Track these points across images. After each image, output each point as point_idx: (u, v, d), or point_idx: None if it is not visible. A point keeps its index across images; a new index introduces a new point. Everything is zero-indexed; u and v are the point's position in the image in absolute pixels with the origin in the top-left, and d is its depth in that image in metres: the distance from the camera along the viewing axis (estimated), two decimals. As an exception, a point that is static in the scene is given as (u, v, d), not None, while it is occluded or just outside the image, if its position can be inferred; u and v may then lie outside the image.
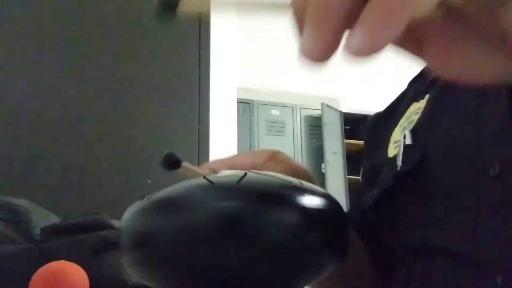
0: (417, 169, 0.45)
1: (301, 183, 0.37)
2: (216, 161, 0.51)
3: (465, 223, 0.40)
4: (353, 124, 4.22)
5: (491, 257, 0.37)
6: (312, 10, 0.23)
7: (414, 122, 0.50)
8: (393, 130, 0.54)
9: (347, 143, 4.01)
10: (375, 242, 0.52)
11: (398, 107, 0.57)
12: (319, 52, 0.23)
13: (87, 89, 1.38)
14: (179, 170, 0.40)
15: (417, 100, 0.53)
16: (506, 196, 0.37)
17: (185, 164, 0.40)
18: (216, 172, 0.39)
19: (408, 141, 0.48)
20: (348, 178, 3.88)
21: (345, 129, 4.08)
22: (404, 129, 0.51)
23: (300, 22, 0.24)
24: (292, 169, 0.50)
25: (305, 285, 0.39)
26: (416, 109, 0.52)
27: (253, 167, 0.50)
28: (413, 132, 0.49)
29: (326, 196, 0.37)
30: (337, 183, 3.79)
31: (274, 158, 0.51)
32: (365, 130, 0.66)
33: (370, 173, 0.56)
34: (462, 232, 0.40)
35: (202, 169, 0.44)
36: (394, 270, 0.49)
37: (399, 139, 0.51)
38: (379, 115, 0.63)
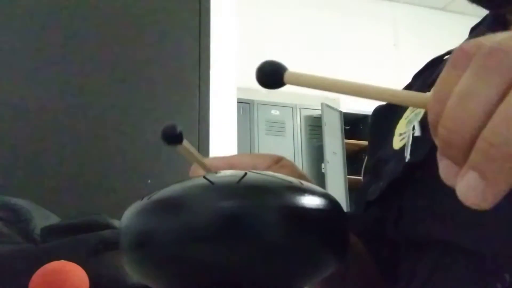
0: (426, 161, 0.45)
1: (301, 183, 0.37)
2: (216, 158, 0.50)
3: (473, 217, 0.39)
4: (353, 124, 4.22)
5: (499, 253, 0.37)
6: (486, 158, 0.21)
7: (421, 114, 0.49)
8: (397, 122, 0.54)
9: (347, 143, 4.01)
10: (379, 238, 0.52)
11: None
12: (490, 202, 0.22)
13: (87, 90, 1.38)
14: (178, 148, 0.39)
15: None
16: None
17: (186, 142, 0.39)
18: (216, 172, 0.39)
19: (417, 132, 0.48)
20: (348, 178, 3.87)
21: (345, 129, 4.08)
22: (409, 121, 0.50)
23: (456, 156, 0.23)
24: (298, 177, 0.49)
25: (305, 285, 0.39)
26: None
27: (254, 169, 0.49)
28: (422, 123, 0.48)
29: (326, 196, 0.37)
30: (337, 183, 3.79)
31: (278, 164, 0.49)
32: (366, 129, 0.65)
33: (375, 165, 0.55)
34: (470, 227, 0.39)
35: (200, 157, 0.43)
36: (398, 266, 0.49)
37: (404, 131, 0.50)
38: (382, 108, 0.62)
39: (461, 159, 0.22)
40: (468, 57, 0.23)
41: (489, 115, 0.21)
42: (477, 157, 0.21)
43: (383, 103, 0.62)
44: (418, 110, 0.50)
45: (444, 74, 0.24)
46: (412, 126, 0.49)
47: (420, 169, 0.45)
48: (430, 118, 0.24)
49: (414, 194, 0.46)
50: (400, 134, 0.51)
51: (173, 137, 0.38)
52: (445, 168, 0.24)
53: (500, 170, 0.21)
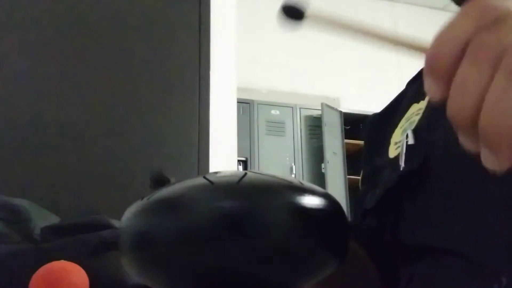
0: (421, 169, 0.45)
1: (301, 183, 0.37)
2: None
3: (469, 223, 0.40)
4: (353, 124, 4.22)
5: (496, 257, 0.37)
6: (487, 136, 0.25)
7: (415, 123, 0.50)
8: (393, 131, 0.54)
9: (347, 143, 4.00)
10: (377, 245, 0.52)
11: (397, 108, 0.57)
12: (504, 167, 0.25)
13: (87, 90, 1.38)
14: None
15: (417, 101, 0.53)
16: (511, 195, 0.37)
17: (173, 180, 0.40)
18: (216, 172, 0.39)
19: (411, 141, 0.48)
20: (348, 178, 3.87)
21: (345, 129, 4.08)
22: (404, 130, 0.51)
23: (467, 132, 0.26)
24: None
25: (305, 285, 0.38)
26: (416, 110, 0.51)
27: None
28: (415, 132, 0.48)
29: (326, 196, 0.37)
30: (337, 183, 3.78)
31: None
32: (364, 132, 0.65)
33: (371, 174, 0.55)
34: (466, 232, 0.40)
35: None
36: (395, 271, 0.49)
37: (399, 139, 0.51)
38: (377, 117, 0.62)
39: (471, 133, 0.26)
40: (469, 21, 0.26)
41: (484, 96, 0.25)
42: (482, 137, 0.25)
43: (379, 111, 0.63)
44: (413, 119, 0.51)
45: (448, 26, 0.27)
46: (406, 134, 0.49)
47: (415, 177, 0.45)
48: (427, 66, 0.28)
49: (410, 201, 0.46)
50: (396, 143, 0.52)
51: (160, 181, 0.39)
52: (464, 141, 0.27)
53: (501, 142, 0.24)
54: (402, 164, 0.47)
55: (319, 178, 3.79)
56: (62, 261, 0.67)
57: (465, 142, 0.27)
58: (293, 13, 0.31)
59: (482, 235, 0.39)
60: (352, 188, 3.74)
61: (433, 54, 0.27)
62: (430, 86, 0.28)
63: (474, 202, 0.40)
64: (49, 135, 1.31)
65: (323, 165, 3.86)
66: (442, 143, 0.44)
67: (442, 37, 0.27)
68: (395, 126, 0.54)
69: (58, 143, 1.31)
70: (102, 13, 1.44)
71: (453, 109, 0.26)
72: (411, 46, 0.29)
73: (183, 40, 1.50)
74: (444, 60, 0.26)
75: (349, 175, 3.88)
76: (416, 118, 0.50)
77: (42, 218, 0.85)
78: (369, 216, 0.53)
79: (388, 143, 0.54)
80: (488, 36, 0.25)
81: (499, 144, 0.24)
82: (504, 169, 0.25)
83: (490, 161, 0.25)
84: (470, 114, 0.25)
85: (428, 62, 0.27)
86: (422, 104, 0.51)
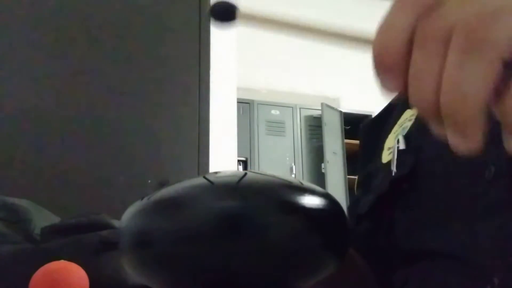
0: (412, 173, 0.45)
1: (301, 183, 0.37)
2: None
3: (462, 226, 0.40)
4: (353, 124, 4.22)
5: (488, 258, 0.38)
6: (447, 119, 0.25)
7: (408, 128, 0.50)
8: (386, 137, 0.55)
9: (347, 143, 4.01)
10: (371, 248, 0.52)
11: (391, 114, 0.58)
12: (474, 147, 0.25)
13: (87, 90, 1.38)
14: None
15: (411, 107, 0.53)
16: (503, 198, 0.37)
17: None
18: (216, 172, 0.39)
19: (402, 146, 0.48)
20: (348, 178, 3.87)
21: (345, 129, 4.08)
22: (397, 135, 0.51)
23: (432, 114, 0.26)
24: None
25: (305, 285, 0.39)
26: (409, 116, 0.52)
27: None
28: (407, 137, 0.49)
29: (326, 196, 0.37)
30: (337, 183, 3.79)
31: None
32: (359, 138, 0.66)
33: (365, 179, 0.56)
34: (459, 235, 0.40)
35: None
36: (390, 274, 0.49)
37: (392, 145, 0.51)
38: (371, 122, 0.63)
39: (438, 118, 0.26)
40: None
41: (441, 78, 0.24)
42: (444, 117, 0.25)
43: (373, 116, 0.63)
44: (406, 124, 0.51)
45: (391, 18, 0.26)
46: (397, 139, 0.49)
47: (407, 181, 0.46)
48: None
49: (403, 205, 0.47)
50: (389, 148, 0.52)
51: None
52: (434, 129, 0.27)
53: (462, 116, 0.24)
54: (394, 169, 0.48)
55: (319, 178, 3.80)
56: (62, 261, 0.67)
57: (435, 129, 0.26)
58: (223, 16, 0.30)
59: (473, 237, 0.39)
60: (352, 188, 3.74)
61: (379, 49, 0.26)
62: (384, 82, 0.27)
63: (465, 205, 0.40)
64: (50, 136, 1.31)
65: (323, 165, 3.86)
66: (432, 147, 0.45)
67: (384, 31, 0.26)
68: (389, 131, 0.55)
69: (59, 144, 1.31)
70: (102, 13, 1.44)
71: (415, 100, 0.26)
72: (354, 39, 0.28)
73: (183, 40, 1.50)
74: (392, 54, 0.26)
75: (349, 175, 3.89)
76: (409, 124, 0.51)
77: (42, 218, 0.85)
78: (363, 221, 0.53)
79: (382, 149, 0.54)
80: (431, 20, 0.24)
81: (460, 120, 0.24)
82: (471, 149, 0.25)
83: (456, 142, 0.25)
84: (432, 99, 0.25)
85: (376, 58, 0.26)
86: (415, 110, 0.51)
